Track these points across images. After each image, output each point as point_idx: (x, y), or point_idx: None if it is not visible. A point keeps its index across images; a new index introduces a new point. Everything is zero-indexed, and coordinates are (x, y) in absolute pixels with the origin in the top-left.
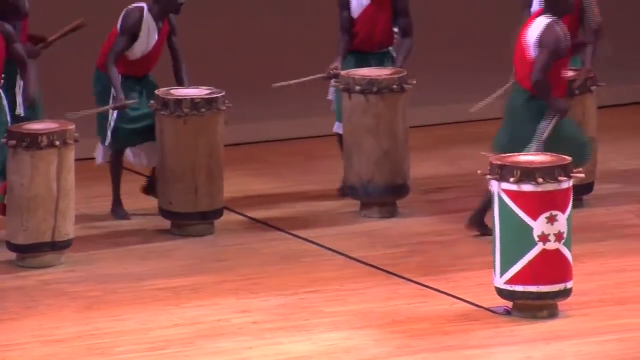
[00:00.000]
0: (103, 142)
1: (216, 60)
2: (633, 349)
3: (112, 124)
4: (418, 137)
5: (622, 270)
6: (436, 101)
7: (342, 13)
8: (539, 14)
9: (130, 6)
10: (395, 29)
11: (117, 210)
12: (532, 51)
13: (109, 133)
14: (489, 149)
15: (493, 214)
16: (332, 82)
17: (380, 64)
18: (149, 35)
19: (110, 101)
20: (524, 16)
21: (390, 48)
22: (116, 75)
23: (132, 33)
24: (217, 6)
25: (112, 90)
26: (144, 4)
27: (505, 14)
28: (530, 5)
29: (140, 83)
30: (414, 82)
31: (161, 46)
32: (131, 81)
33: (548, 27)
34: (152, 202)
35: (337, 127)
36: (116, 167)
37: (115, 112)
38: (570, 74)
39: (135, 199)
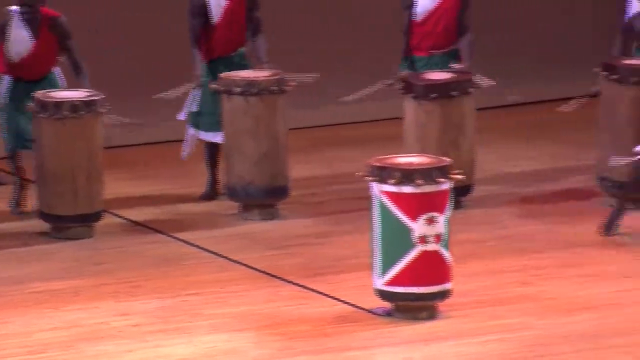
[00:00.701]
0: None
1: (101, 62)
2: (513, 349)
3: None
4: (296, 139)
5: (501, 271)
6: (313, 104)
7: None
8: None
9: None
10: None
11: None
12: None
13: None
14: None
15: (372, 215)
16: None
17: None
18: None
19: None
20: None
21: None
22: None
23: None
24: None
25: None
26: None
27: (386, 19)
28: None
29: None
30: (292, 83)
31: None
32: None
33: None
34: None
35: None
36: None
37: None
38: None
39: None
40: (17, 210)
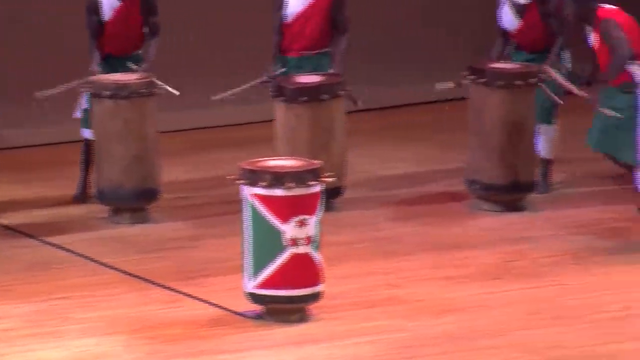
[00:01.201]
0: None
1: None
2: (383, 351)
3: None
4: (172, 141)
5: (372, 273)
6: (192, 105)
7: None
8: None
9: None
10: None
11: None
12: None
13: None
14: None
15: (243, 218)
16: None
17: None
18: None
19: None
20: None
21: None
22: None
23: None
24: None
25: None
26: None
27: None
28: None
29: None
30: (162, 86)
31: None
32: None
33: None
34: None
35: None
36: None
37: None
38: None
39: None
40: None
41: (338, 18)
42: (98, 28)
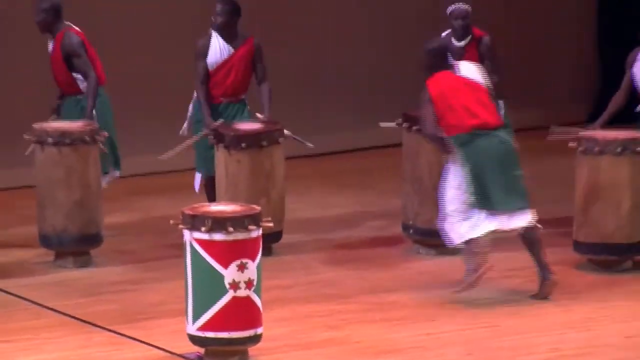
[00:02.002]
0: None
1: None
2: None
3: None
4: (111, 187)
5: (310, 315)
6: (130, 152)
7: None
8: None
9: None
10: None
11: None
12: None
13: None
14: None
15: (185, 262)
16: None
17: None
18: None
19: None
20: None
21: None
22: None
23: None
24: None
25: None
26: None
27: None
28: None
29: None
30: (106, 134)
31: None
32: None
33: None
34: None
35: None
36: None
37: None
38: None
39: None
40: None
41: (259, 66)
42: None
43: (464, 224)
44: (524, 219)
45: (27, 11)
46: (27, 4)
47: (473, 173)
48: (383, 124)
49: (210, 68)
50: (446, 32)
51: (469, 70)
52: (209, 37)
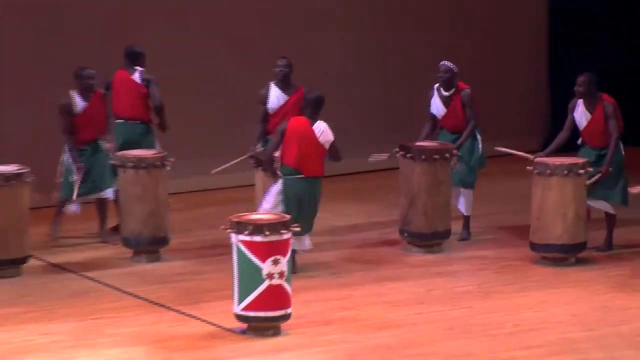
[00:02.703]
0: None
1: None
2: (337, 357)
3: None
4: (178, 200)
5: (328, 299)
6: (188, 174)
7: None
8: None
9: None
10: None
11: None
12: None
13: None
14: None
15: (232, 258)
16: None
17: None
18: None
19: None
20: None
21: None
22: None
23: None
24: None
25: None
26: None
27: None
28: None
29: None
30: (172, 159)
31: None
32: None
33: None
34: None
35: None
36: None
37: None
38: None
39: None
40: None
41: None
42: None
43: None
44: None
45: None
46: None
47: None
48: (373, 158)
49: (270, 112)
50: (437, 84)
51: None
52: (269, 87)
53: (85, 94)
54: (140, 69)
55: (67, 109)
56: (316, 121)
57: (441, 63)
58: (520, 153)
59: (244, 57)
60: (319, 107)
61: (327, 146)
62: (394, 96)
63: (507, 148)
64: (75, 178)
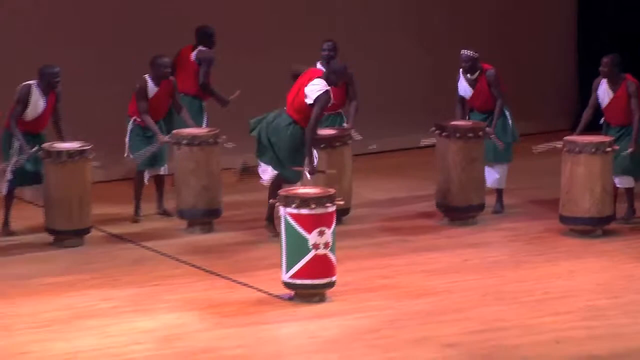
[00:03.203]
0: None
1: None
2: (379, 322)
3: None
4: (229, 177)
5: (369, 268)
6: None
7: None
8: (319, 75)
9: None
10: None
11: (5, 229)
12: (308, 101)
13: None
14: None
15: (281, 229)
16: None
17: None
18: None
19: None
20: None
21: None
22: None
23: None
24: None
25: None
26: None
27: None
28: None
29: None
30: (224, 137)
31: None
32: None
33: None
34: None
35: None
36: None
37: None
38: (331, 131)
39: (24, 220)
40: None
41: (350, 90)
42: None
43: None
44: None
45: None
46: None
47: None
48: (424, 141)
49: None
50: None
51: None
52: (315, 67)
53: (157, 80)
54: (203, 48)
55: (142, 92)
56: (325, 82)
57: (462, 52)
58: (557, 144)
59: (294, 41)
60: (336, 74)
61: (306, 99)
62: (431, 79)
63: (539, 130)
64: (143, 152)
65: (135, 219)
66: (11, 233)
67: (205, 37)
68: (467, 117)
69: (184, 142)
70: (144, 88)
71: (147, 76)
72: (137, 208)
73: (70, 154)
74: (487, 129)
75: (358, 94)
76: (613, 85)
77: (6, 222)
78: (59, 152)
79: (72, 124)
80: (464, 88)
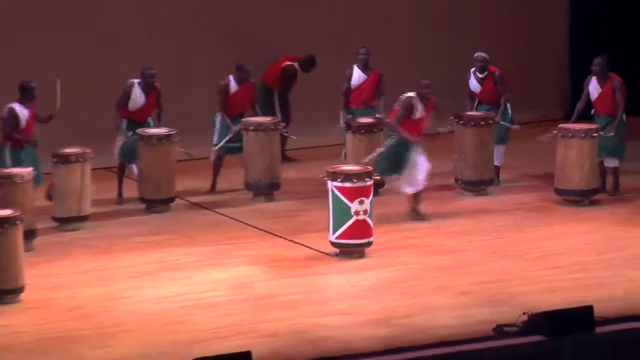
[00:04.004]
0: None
1: None
2: (408, 274)
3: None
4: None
5: (400, 230)
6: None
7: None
8: None
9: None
10: None
11: (119, 199)
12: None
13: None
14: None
15: (328, 199)
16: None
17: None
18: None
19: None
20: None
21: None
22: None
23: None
24: None
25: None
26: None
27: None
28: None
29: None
30: (283, 124)
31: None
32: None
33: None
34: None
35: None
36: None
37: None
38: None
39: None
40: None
41: (380, 86)
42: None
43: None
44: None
45: None
46: None
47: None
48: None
49: (352, 87)
50: (473, 68)
51: None
52: (352, 68)
53: (239, 81)
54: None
55: (224, 88)
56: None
57: (477, 54)
58: (554, 132)
59: (333, 46)
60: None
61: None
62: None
63: (536, 120)
64: (226, 138)
65: (210, 191)
66: (123, 202)
67: (308, 64)
68: (475, 108)
69: (251, 127)
70: (226, 86)
71: (231, 76)
72: (214, 183)
73: (159, 137)
74: (496, 118)
75: (384, 91)
76: (601, 82)
77: (120, 193)
78: (150, 136)
79: (171, 115)
80: (474, 85)
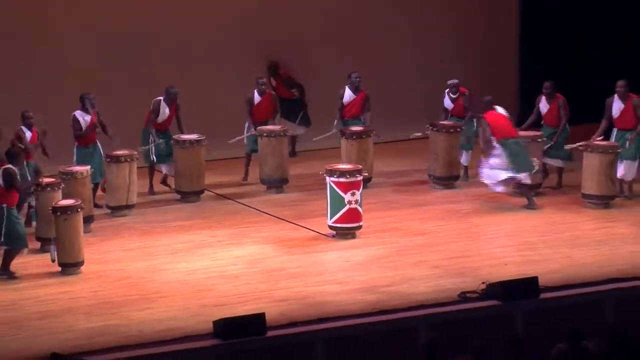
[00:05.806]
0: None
1: None
2: (388, 251)
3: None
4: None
5: (384, 217)
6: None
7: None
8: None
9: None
10: None
11: (151, 190)
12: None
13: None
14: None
15: (326, 192)
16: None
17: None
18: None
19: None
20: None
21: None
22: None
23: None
24: None
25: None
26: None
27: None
28: None
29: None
30: (290, 131)
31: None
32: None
33: None
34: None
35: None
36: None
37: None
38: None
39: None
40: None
41: (366, 103)
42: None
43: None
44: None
45: None
46: None
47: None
48: (413, 135)
49: (345, 104)
50: (447, 90)
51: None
52: (344, 89)
53: (261, 93)
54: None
55: (249, 100)
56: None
57: (450, 81)
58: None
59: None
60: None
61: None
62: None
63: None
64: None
65: (242, 183)
66: (154, 193)
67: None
68: (447, 119)
69: (265, 134)
70: (250, 98)
71: (255, 90)
72: (246, 175)
73: (191, 142)
74: (463, 127)
75: (370, 108)
76: (549, 100)
77: (151, 186)
78: (184, 141)
79: (196, 119)
80: (447, 103)
